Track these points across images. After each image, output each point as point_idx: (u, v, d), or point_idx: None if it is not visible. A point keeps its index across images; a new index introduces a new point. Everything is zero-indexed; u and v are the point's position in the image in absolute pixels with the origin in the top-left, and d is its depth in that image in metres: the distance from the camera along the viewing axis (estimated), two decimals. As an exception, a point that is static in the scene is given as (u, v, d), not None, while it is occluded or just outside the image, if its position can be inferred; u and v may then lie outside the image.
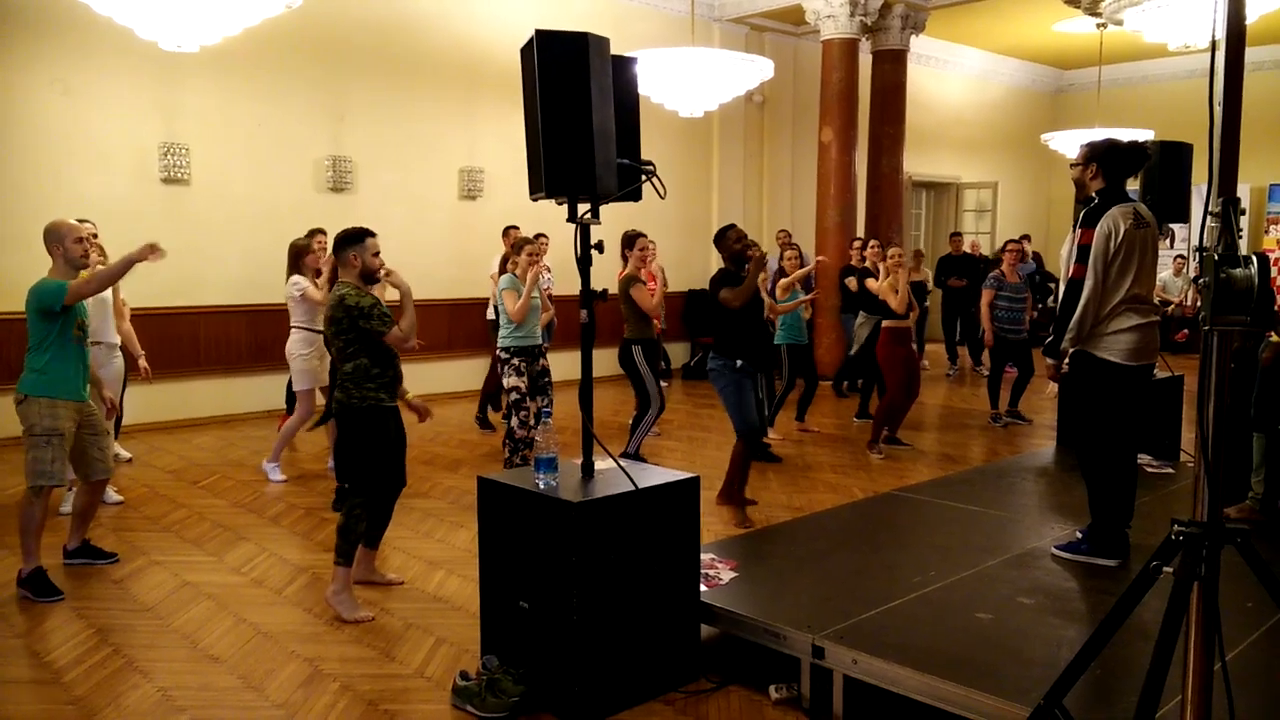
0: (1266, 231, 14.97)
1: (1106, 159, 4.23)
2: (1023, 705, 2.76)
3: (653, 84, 8.52)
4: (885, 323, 7.44)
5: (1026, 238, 9.67)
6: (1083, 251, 4.14)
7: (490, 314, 8.41)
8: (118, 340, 6.05)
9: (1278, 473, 5.05)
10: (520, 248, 6.54)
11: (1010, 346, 8.53)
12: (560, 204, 3.50)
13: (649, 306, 6.58)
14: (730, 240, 5.55)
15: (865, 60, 11.91)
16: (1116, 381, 4.18)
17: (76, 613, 4.28)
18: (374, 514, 4.38)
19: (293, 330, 6.51)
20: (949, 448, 7.80)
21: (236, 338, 8.88)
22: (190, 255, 8.47)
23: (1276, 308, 4.33)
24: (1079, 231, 4.18)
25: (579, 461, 3.61)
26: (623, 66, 3.60)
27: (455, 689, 3.40)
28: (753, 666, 3.63)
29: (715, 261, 5.74)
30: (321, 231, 7.21)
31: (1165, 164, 5.48)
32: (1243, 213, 2.11)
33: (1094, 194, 4.24)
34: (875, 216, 12.02)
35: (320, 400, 6.51)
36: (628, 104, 3.61)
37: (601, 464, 3.61)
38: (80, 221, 5.71)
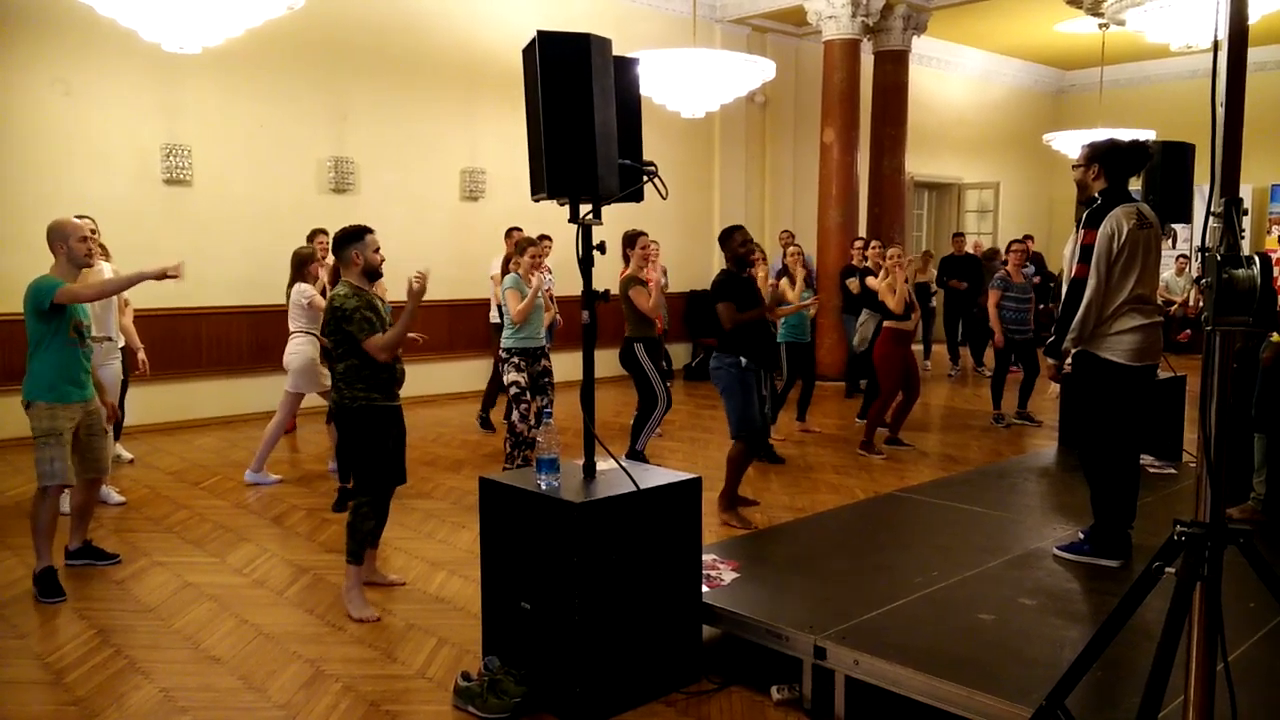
0: (1269, 231, 14.96)
1: (1108, 159, 4.23)
2: (1024, 706, 2.76)
3: (654, 85, 8.52)
4: (886, 323, 7.44)
5: (1029, 238, 9.66)
6: (1085, 252, 4.13)
7: (494, 316, 8.42)
8: (119, 337, 6.06)
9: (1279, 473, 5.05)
10: (524, 250, 6.55)
11: (1015, 346, 8.52)
12: (562, 205, 3.50)
13: (647, 309, 6.58)
14: (735, 243, 5.56)
15: (867, 61, 11.91)
16: (1120, 382, 4.18)
17: (78, 613, 4.28)
18: (380, 511, 4.38)
19: (292, 335, 6.53)
20: (951, 448, 7.80)
21: (238, 338, 8.88)
22: (192, 256, 8.42)
23: (1279, 308, 4.34)
24: (1082, 232, 4.18)
25: (581, 462, 3.61)
26: (625, 67, 3.60)
27: (457, 690, 3.40)
28: (754, 667, 3.62)
29: (717, 262, 5.75)
30: (323, 232, 7.23)
31: (1167, 164, 5.48)
32: (1245, 213, 2.10)
33: (1097, 194, 4.24)
34: (877, 217, 12.02)
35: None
36: (630, 105, 3.61)
37: (603, 465, 3.61)
38: (79, 218, 5.73)
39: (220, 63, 8.08)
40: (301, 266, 6.54)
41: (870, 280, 7.97)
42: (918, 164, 14.18)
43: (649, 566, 3.44)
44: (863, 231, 11.58)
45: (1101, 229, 4.11)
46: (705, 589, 3.76)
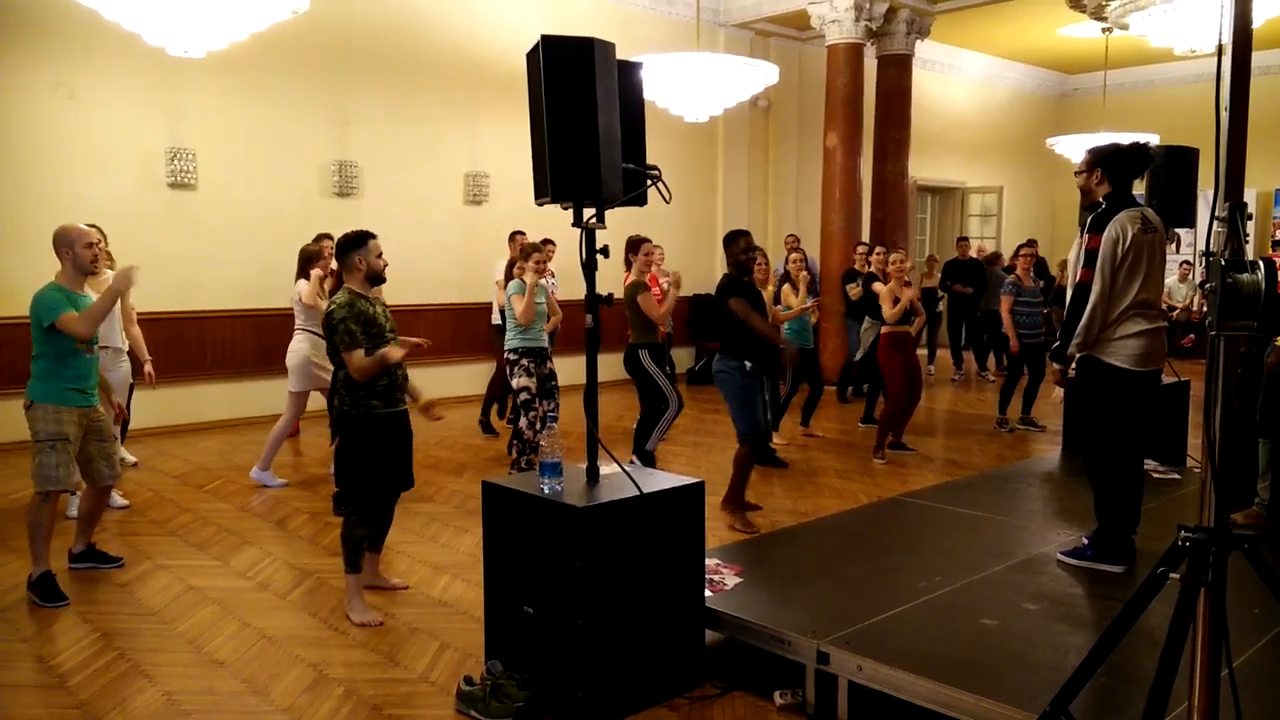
0: (1273, 236, 14.92)
1: (1111, 163, 4.23)
2: (1029, 711, 2.75)
3: (658, 89, 8.53)
4: (884, 328, 7.44)
5: (1033, 242, 9.63)
6: (1090, 256, 4.12)
7: (496, 318, 8.42)
8: (125, 345, 6.07)
9: (1284, 478, 5.03)
10: (528, 255, 6.56)
11: (1024, 350, 8.49)
12: (565, 209, 3.50)
13: (658, 315, 6.59)
14: (738, 249, 5.56)
15: (870, 65, 11.91)
16: (1124, 387, 4.17)
17: (82, 617, 4.28)
18: (372, 518, 4.36)
19: (294, 333, 6.55)
20: (954, 453, 7.79)
21: (242, 342, 8.90)
22: (196, 260, 8.50)
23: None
24: (1086, 236, 4.17)
25: (584, 466, 3.61)
26: (628, 71, 3.60)
27: (459, 694, 3.40)
28: (757, 672, 3.62)
29: (720, 266, 5.76)
30: (328, 236, 7.23)
31: (1171, 169, 5.47)
32: (1249, 217, 2.10)
33: (1101, 199, 4.23)
34: (880, 221, 12.01)
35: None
36: (633, 109, 3.61)
37: (606, 469, 3.61)
38: (88, 228, 5.73)
39: (224, 66, 8.10)
40: (305, 265, 6.56)
41: (877, 285, 7.97)
42: (921, 168, 14.18)
43: (652, 571, 3.43)
44: (866, 236, 11.57)
45: (1106, 233, 4.10)
46: (708, 593, 3.75)
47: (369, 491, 4.26)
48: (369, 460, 4.22)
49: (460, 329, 10.00)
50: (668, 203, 3.69)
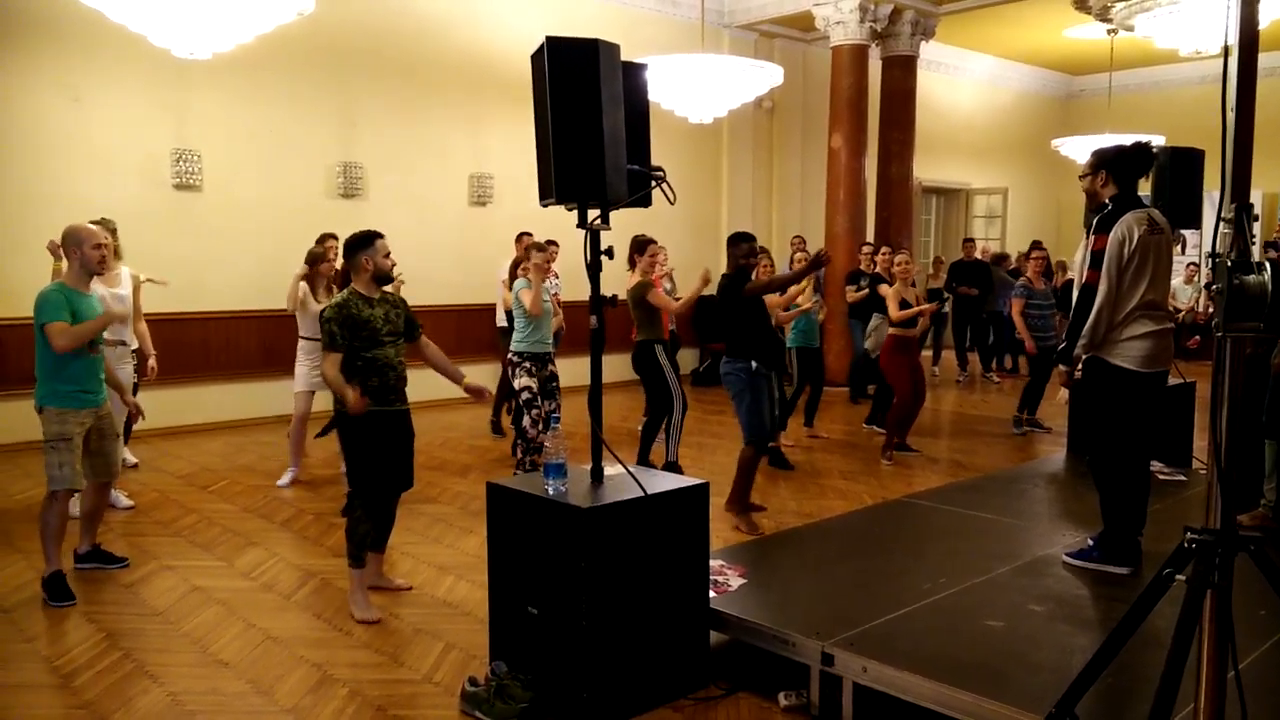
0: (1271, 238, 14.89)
1: (1116, 164, 4.22)
2: (1034, 713, 2.75)
3: (663, 90, 8.54)
4: (890, 330, 7.43)
5: (1038, 244, 9.63)
6: (1096, 258, 4.11)
7: (501, 320, 8.43)
8: (133, 341, 6.08)
9: (1291, 480, 5.02)
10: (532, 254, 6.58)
11: (1039, 352, 8.46)
12: (570, 210, 3.50)
13: (673, 306, 6.78)
14: (741, 251, 5.56)
15: (875, 66, 11.90)
16: (1130, 388, 4.16)
17: (87, 617, 4.29)
18: (376, 515, 4.36)
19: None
20: (959, 454, 7.78)
21: (247, 343, 8.91)
22: (201, 261, 8.51)
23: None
24: (1093, 238, 4.16)
25: (588, 467, 3.61)
26: (633, 73, 3.61)
27: (464, 694, 3.40)
28: (762, 673, 3.62)
29: (725, 268, 5.74)
30: (333, 236, 7.24)
31: (1177, 170, 5.46)
32: (1256, 218, 2.10)
33: (1107, 200, 4.22)
34: (885, 222, 12.01)
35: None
36: (638, 110, 3.62)
37: (610, 469, 3.61)
38: (99, 222, 5.75)
39: (230, 68, 8.12)
40: (312, 266, 6.60)
41: (883, 288, 7.96)
42: (926, 169, 14.17)
43: (656, 572, 3.43)
44: (870, 237, 11.57)
45: (1112, 234, 4.09)
46: (712, 594, 3.75)
47: (369, 487, 4.26)
48: (366, 456, 4.22)
49: (465, 330, 10.00)
50: (672, 204, 3.69)
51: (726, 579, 4.00)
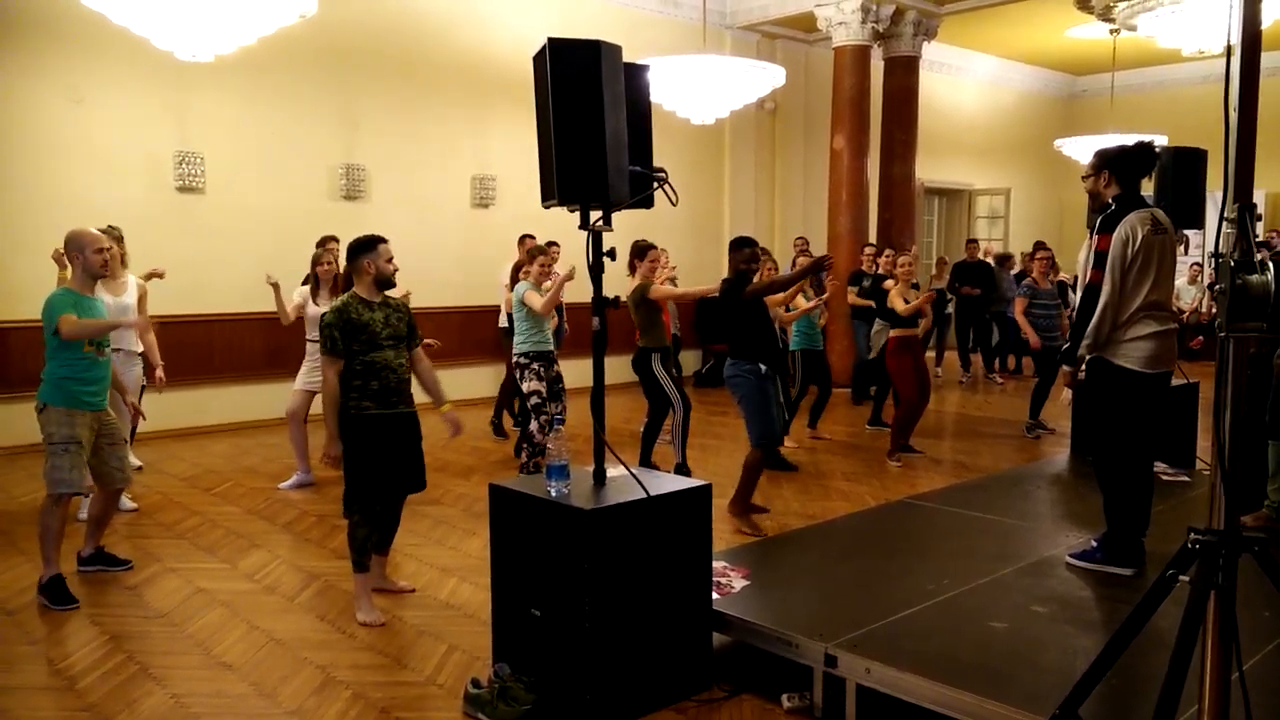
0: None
1: (1118, 164, 4.22)
2: (1038, 715, 2.74)
3: (665, 91, 8.54)
4: (893, 331, 7.43)
5: (1041, 244, 9.62)
6: (1100, 258, 4.11)
7: (503, 322, 8.43)
8: (139, 348, 6.09)
9: (1294, 480, 5.01)
10: (534, 258, 6.59)
11: (1039, 351, 8.44)
12: (572, 211, 3.50)
13: (681, 294, 7.07)
14: (743, 256, 5.54)
15: (877, 67, 11.90)
16: (1134, 389, 4.15)
17: (90, 619, 4.30)
18: (375, 520, 4.35)
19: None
20: (962, 455, 7.77)
21: (250, 345, 8.92)
22: (204, 263, 8.52)
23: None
24: (1096, 238, 4.16)
25: (591, 469, 3.61)
26: (635, 74, 3.61)
27: (467, 697, 3.40)
28: (765, 675, 3.61)
29: (726, 269, 5.75)
30: (334, 239, 7.26)
31: (1179, 170, 5.46)
32: (1259, 218, 2.09)
33: (1110, 200, 4.22)
34: (887, 223, 12.00)
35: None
36: (640, 111, 3.62)
37: (613, 471, 3.61)
38: (108, 229, 5.76)
39: (232, 70, 8.13)
40: (312, 266, 6.64)
41: (887, 283, 7.95)
42: (928, 170, 14.17)
43: (659, 573, 3.43)
44: (873, 237, 11.56)
45: (1116, 234, 4.08)
46: (715, 596, 3.75)
47: (366, 491, 4.26)
48: (365, 460, 4.22)
49: (467, 332, 10.01)
50: (674, 205, 3.70)
51: (729, 580, 4.00)
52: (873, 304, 8.99)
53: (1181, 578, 2.12)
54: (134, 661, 3.85)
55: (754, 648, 3.64)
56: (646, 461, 6.54)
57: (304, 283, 6.71)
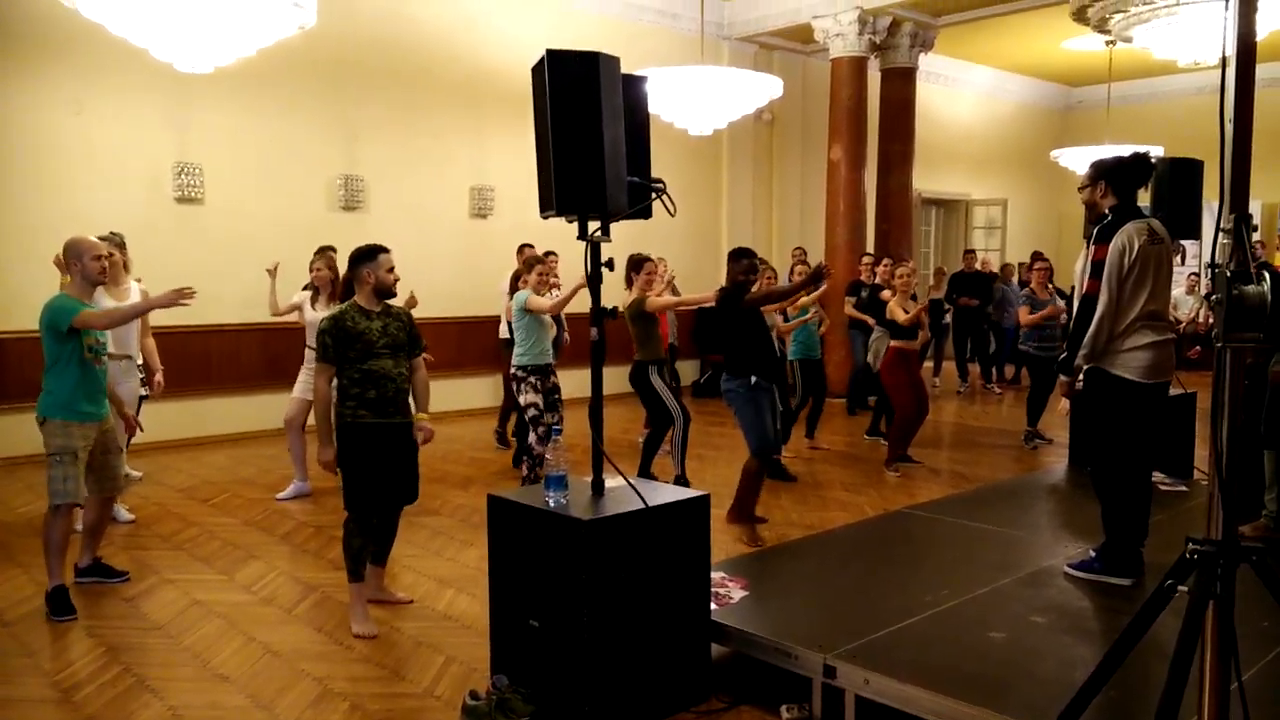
0: (1279, 248, 14.90)
1: (1114, 175, 4.23)
2: (1037, 726, 2.73)
3: (663, 102, 8.56)
4: (892, 343, 7.43)
5: (1039, 254, 9.65)
6: (1097, 268, 4.12)
7: (504, 332, 8.43)
8: (139, 355, 6.09)
9: (1292, 490, 5.01)
10: (532, 267, 6.60)
11: (1036, 362, 8.44)
12: (571, 222, 3.51)
13: (677, 303, 7.18)
14: (741, 267, 5.55)
15: (874, 78, 11.93)
16: (1132, 399, 4.15)
17: (88, 631, 4.28)
18: (368, 530, 4.33)
19: None
20: (961, 465, 7.77)
21: (249, 356, 8.92)
22: (203, 273, 8.48)
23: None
24: (1093, 248, 4.17)
25: (589, 479, 3.61)
26: (633, 85, 3.62)
27: (465, 708, 3.39)
28: (764, 686, 3.61)
29: (724, 280, 5.76)
30: (331, 249, 7.25)
31: (1176, 181, 5.47)
32: (1255, 229, 2.10)
33: (1107, 211, 4.23)
34: (885, 233, 12.03)
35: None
36: (638, 122, 3.63)
37: (611, 482, 3.61)
38: (111, 235, 5.76)
39: (231, 81, 8.14)
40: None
41: (885, 294, 7.96)
42: (925, 180, 14.20)
43: (657, 584, 3.43)
44: (870, 248, 11.58)
45: (1112, 245, 4.09)
46: (714, 607, 3.74)
47: (360, 500, 4.25)
48: (359, 469, 4.21)
49: (465, 342, 10.01)
50: (672, 216, 3.70)
51: (728, 591, 4.00)
52: (870, 320, 8.98)
53: (1180, 588, 2.12)
54: (131, 673, 3.83)
55: (752, 658, 3.63)
56: (646, 472, 6.54)
57: (305, 288, 6.72)
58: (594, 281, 3.54)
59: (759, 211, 13.22)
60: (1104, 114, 14.49)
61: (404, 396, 4.35)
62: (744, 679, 3.70)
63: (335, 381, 4.24)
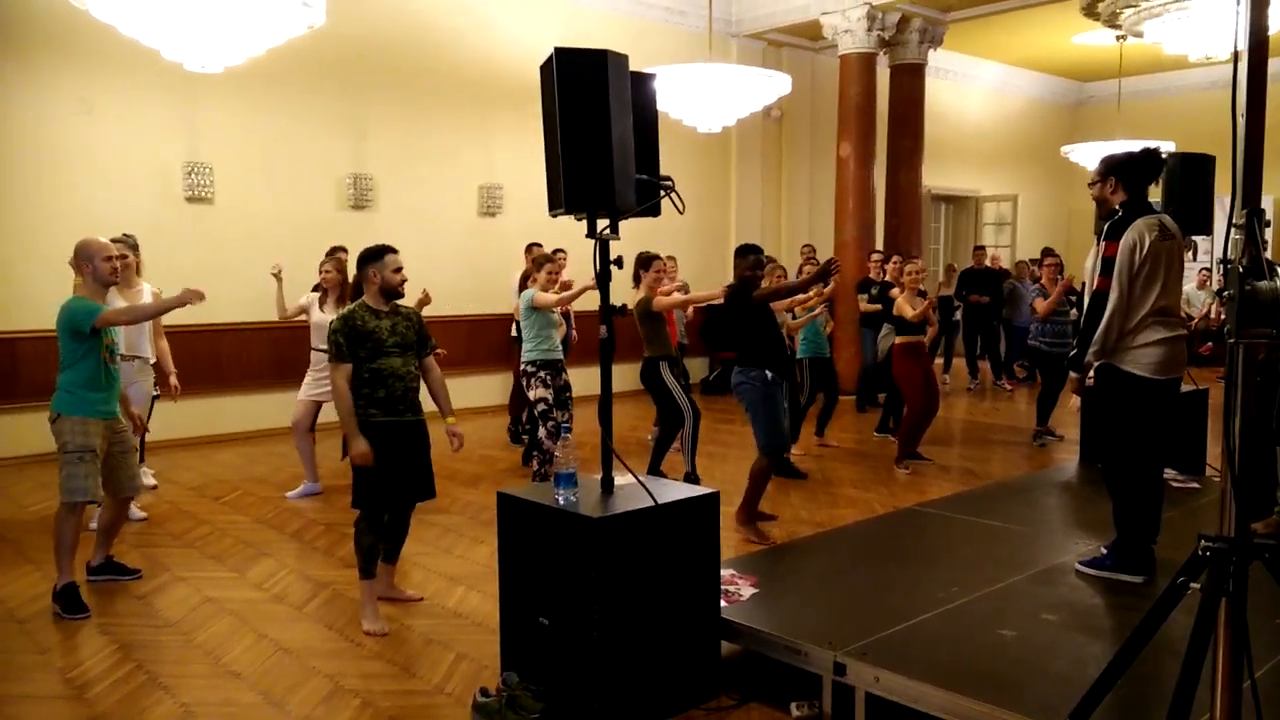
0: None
1: (1124, 170, 4.21)
2: (1048, 723, 2.73)
3: (671, 100, 8.56)
4: (898, 339, 7.41)
5: (1050, 251, 9.60)
6: (1107, 264, 4.10)
7: (515, 331, 8.45)
8: (152, 356, 6.12)
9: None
10: (541, 265, 6.61)
11: (1045, 359, 8.41)
12: (579, 220, 3.51)
13: (684, 300, 7.23)
14: (747, 263, 5.56)
15: (883, 74, 11.91)
16: (1144, 396, 4.14)
17: (100, 629, 4.30)
18: (380, 528, 4.34)
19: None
20: (971, 462, 7.75)
21: (258, 354, 8.95)
22: (212, 273, 8.53)
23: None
24: (1103, 244, 4.15)
25: (598, 477, 3.61)
26: (641, 83, 3.62)
27: (475, 705, 3.39)
28: (774, 683, 3.60)
29: (733, 277, 5.76)
30: (342, 249, 7.28)
31: (1187, 176, 5.44)
32: (1267, 224, 2.09)
33: (1118, 206, 4.21)
34: (894, 230, 12.00)
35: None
36: (646, 120, 3.63)
37: (621, 479, 3.61)
38: (124, 236, 5.78)
39: (241, 81, 8.17)
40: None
41: (894, 291, 7.95)
42: (935, 177, 14.15)
43: (667, 582, 3.43)
44: (879, 245, 11.56)
45: (1123, 241, 4.07)
46: (724, 604, 3.74)
47: (371, 498, 4.27)
48: (372, 468, 4.22)
49: (475, 340, 10.03)
50: (681, 213, 3.70)
51: (738, 588, 4.00)
52: (879, 307, 8.98)
53: (1192, 585, 2.11)
54: (143, 670, 3.85)
55: (762, 656, 3.63)
56: (656, 470, 6.54)
57: (314, 290, 6.75)
58: (603, 279, 3.54)
59: (768, 209, 13.21)
60: (1115, 109, 14.42)
61: (414, 395, 4.37)
62: (754, 676, 3.70)
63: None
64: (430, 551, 5.40)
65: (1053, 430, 8.59)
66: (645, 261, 6.71)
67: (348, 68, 9.32)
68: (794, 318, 7.67)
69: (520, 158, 10.20)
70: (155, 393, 6.25)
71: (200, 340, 8.56)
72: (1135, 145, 4.52)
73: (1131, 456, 4.23)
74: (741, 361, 5.56)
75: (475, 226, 10.34)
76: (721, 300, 5.88)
